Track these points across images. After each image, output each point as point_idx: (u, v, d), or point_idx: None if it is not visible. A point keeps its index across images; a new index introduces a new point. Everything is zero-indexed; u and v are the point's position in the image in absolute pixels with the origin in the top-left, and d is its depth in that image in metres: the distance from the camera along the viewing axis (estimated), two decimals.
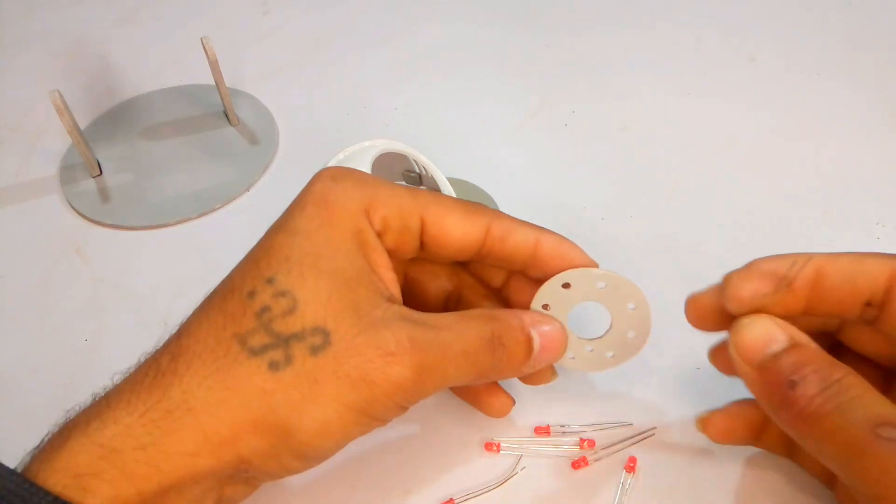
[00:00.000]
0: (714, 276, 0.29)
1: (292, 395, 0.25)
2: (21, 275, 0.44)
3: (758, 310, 0.27)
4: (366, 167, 0.40)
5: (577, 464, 0.34)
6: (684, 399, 0.35)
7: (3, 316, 0.42)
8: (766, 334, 0.27)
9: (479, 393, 0.33)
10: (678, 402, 0.36)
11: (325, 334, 0.25)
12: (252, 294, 0.26)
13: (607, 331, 0.32)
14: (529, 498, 0.33)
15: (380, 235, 0.29)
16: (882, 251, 0.42)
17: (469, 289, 0.33)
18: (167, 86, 0.57)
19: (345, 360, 0.25)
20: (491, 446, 0.34)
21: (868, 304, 0.27)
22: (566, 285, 0.30)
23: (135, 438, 0.24)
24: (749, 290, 0.27)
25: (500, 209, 0.45)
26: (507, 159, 0.50)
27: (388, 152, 0.42)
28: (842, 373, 0.25)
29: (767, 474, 0.33)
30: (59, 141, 0.52)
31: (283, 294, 0.26)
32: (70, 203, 0.48)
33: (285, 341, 0.25)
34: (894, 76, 0.54)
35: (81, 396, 0.38)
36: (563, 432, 0.35)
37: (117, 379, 0.27)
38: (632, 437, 0.34)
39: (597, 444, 0.34)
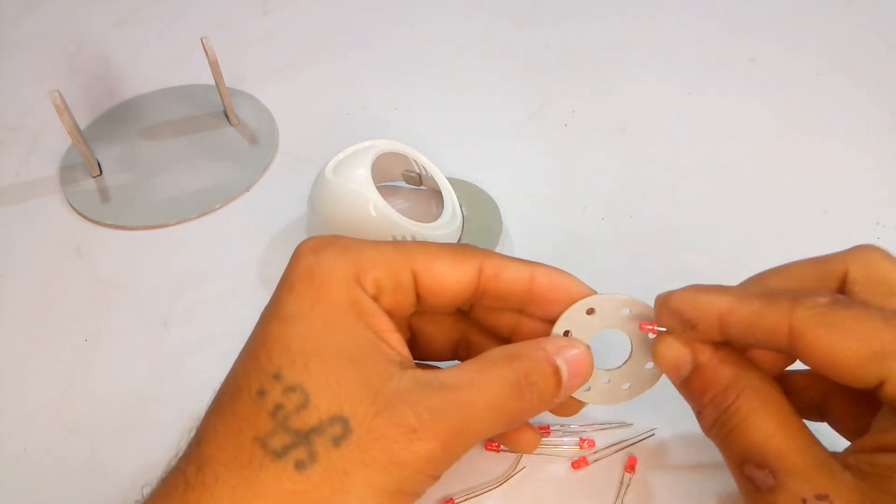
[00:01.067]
0: (714, 276, 0.29)
1: (324, 493, 0.24)
2: (21, 275, 0.44)
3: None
4: (366, 167, 0.40)
5: (577, 464, 0.34)
6: (684, 399, 0.35)
7: (3, 316, 0.42)
8: (675, 357, 0.27)
9: (506, 433, 0.32)
10: (678, 402, 0.35)
11: (343, 422, 0.24)
12: (262, 393, 0.25)
13: (626, 360, 0.31)
14: (529, 498, 0.33)
15: (375, 299, 0.28)
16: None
17: (477, 334, 0.32)
18: (167, 86, 0.57)
19: (369, 445, 0.24)
20: (491, 446, 0.34)
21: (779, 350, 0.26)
22: (590, 311, 0.29)
23: None
24: (664, 323, 0.28)
25: (501, 209, 0.45)
26: (506, 159, 0.50)
27: (388, 152, 0.42)
28: (733, 396, 0.25)
29: None
30: (59, 141, 0.52)
31: (292, 389, 0.25)
32: (70, 203, 0.48)
33: (306, 437, 0.24)
34: (894, 76, 0.54)
35: (81, 396, 0.38)
36: (563, 432, 0.35)
37: (147, 491, 0.26)
38: (632, 437, 0.34)
39: (597, 444, 0.34)
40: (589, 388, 0.31)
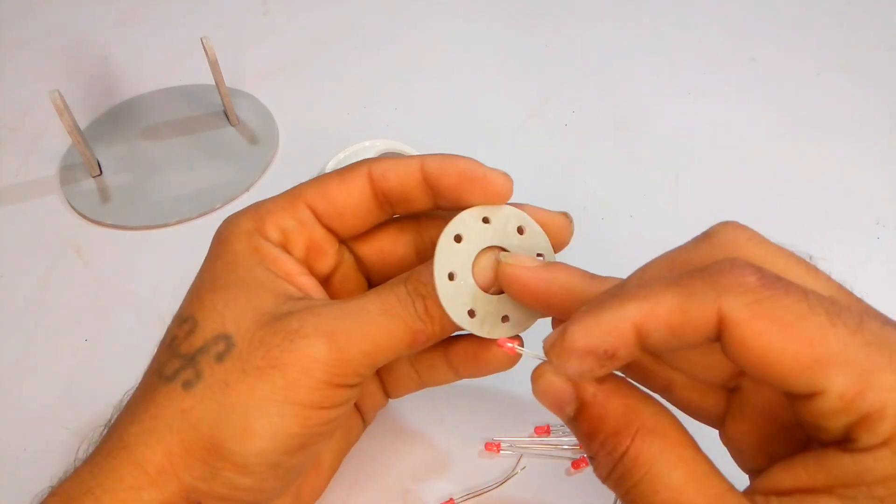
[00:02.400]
0: None
1: (210, 407, 0.24)
2: (21, 275, 0.44)
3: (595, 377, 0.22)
4: None
5: (577, 464, 0.34)
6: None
7: (3, 316, 0.42)
8: (556, 396, 0.23)
9: (474, 354, 0.29)
10: None
11: (227, 339, 0.25)
12: (167, 331, 0.27)
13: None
14: (529, 498, 0.33)
15: (285, 246, 0.28)
16: (882, 251, 0.43)
17: None
18: (167, 86, 0.57)
19: (249, 355, 0.25)
20: (491, 446, 0.34)
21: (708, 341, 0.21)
22: (486, 220, 0.27)
23: (83, 483, 0.24)
24: (575, 370, 0.22)
25: None
26: (507, 159, 0.50)
27: (387, 152, 0.42)
28: (627, 440, 0.21)
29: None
30: (59, 141, 0.52)
31: (185, 320, 0.26)
32: (70, 203, 0.48)
33: (191, 359, 0.25)
34: (894, 76, 0.54)
35: (81, 396, 0.38)
36: (564, 432, 0.35)
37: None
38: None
39: None
40: (474, 311, 0.27)
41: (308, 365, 0.24)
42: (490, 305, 0.27)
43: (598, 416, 0.22)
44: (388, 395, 0.32)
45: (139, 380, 0.27)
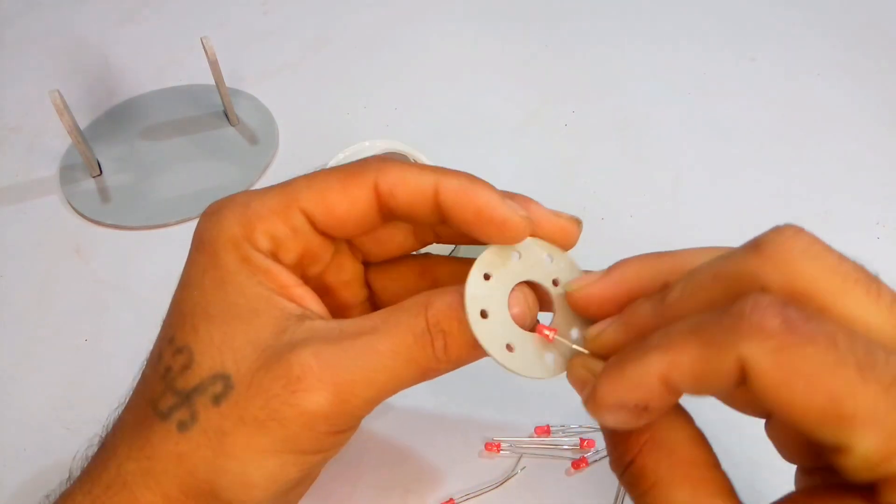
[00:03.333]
0: None
1: (205, 454, 0.23)
2: (21, 275, 0.44)
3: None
4: None
5: (577, 464, 0.34)
6: (683, 399, 0.35)
7: (3, 316, 0.42)
8: (580, 380, 0.23)
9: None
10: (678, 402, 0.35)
11: (224, 379, 0.23)
12: (160, 356, 0.25)
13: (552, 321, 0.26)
14: (529, 498, 0.33)
15: (275, 255, 0.26)
16: (882, 251, 0.43)
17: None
18: (167, 86, 0.57)
19: (247, 402, 0.23)
20: (491, 446, 0.34)
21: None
22: (486, 276, 0.25)
23: None
24: (613, 423, 0.21)
25: None
26: (507, 159, 0.50)
27: (387, 152, 0.42)
28: (633, 453, 0.21)
29: (768, 474, 0.33)
30: (59, 141, 0.52)
31: (180, 351, 0.25)
32: (70, 203, 0.48)
33: (187, 397, 0.24)
34: (894, 76, 0.54)
35: (81, 396, 0.38)
36: (563, 432, 0.35)
37: (90, 453, 0.27)
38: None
39: (597, 444, 0.34)
40: (513, 351, 0.25)
41: (309, 421, 0.23)
42: (528, 342, 0.25)
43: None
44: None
45: (128, 397, 0.26)
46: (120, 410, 0.27)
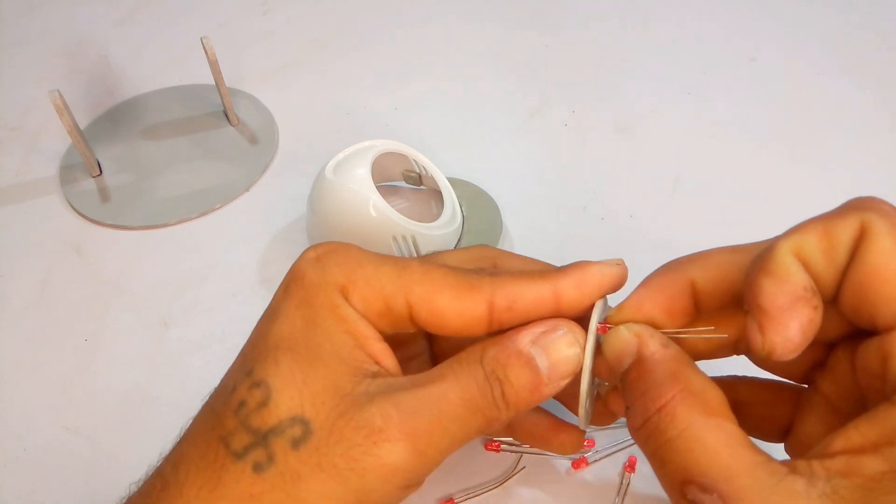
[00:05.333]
0: None
1: (279, 496, 0.23)
2: (21, 275, 0.44)
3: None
4: (366, 167, 0.40)
5: (577, 464, 0.34)
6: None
7: (3, 316, 0.42)
8: (620, 349, 0.24)
9: (542, 434, 0.30)
10: None
11: (304, 423, 0.23)
12: (234, 389, 0.25)
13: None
14: (529, 498, 0.33)
15: (363, 314, 0.26)
16: None
17: None
18: (167, 86, 0.57)
19: (328, 449, 0.23)
20: (491, 446, 0.34)
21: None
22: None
23: None
24: (791, 312, 0.22)
25: (501, 209, 0.45)
26: (506, 159, 0.50)
27: (388, 152, 0.42)
28: (668, 395, 0.22)
29: None
30: (59, 141, 0.52)
31: (257, 385, 0.24)
32: (70, 203, 0.48)
33: (264, 438, 0.23)
34: (894, 76, 0.54)
35: (81, 396, 0.38)
36: None
37: (133, 489, 0.26)
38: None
39: (597, 444, 0.34)
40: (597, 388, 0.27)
41: (387, 474, 0.23)
42: (590, 398, 0.27)
43: (648, 368, 0.23)
44: None
45: (190, 428, 0.26)
46: (178, 439, 0.26)
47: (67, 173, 0.50)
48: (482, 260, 0.30)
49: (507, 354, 0.25)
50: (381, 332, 0.26)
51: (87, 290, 0.43)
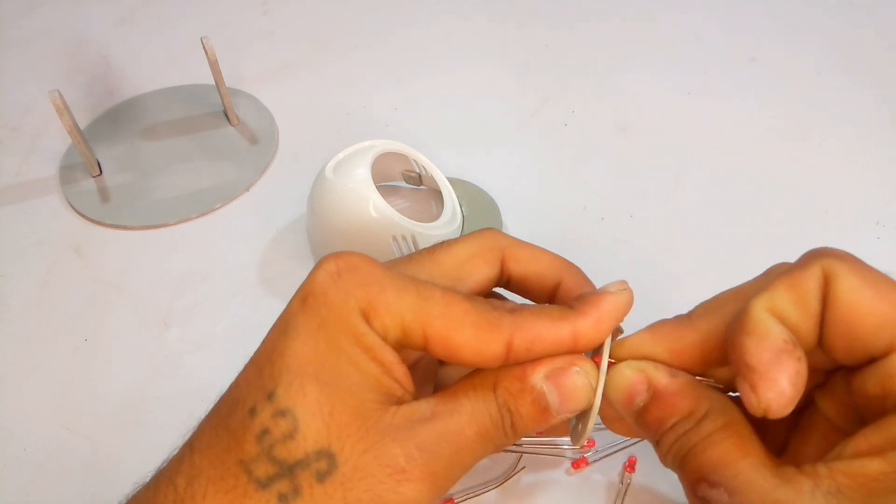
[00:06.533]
0: (713, 276, 0.29)
1: None
2: (21, 275, 0.44)
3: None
4: (366, 167, 0.40)
5: (577, 464, 0.34)
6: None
7: (3, 316, 0.42)
8: (629, 388, 0.25)
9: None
10: None
11: (330, 457, 0.24)
12: (253, 412, 0.24)
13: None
14: (529, 498, 0.33)
15: (385, 338, 0.26)
16: (882, 251, 0.43)
17: None
18: (167, 86, 0.57)
19: (354, 484, 0.23)
20: None
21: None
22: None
23: None
24: (789, 381, 0.23)
25: (501, 209, 0.45)
26: (507, 159, 0.50)
27: (388, 152, 0.42)
28: (696, 420, 0.24)
29: None
30: (59, 141, 0.52)
31: (282, 414, 0.24)
32: (70, 203, 0.48)
33: (290, 470, 0.23)
34: (894, 76, 0.54)
35: (81, 396, 0.38)
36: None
37: (138, 489, 0.26)
38: (632, 437, 0.34)
39: (597, 444, 0.34)
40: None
41: None
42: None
43: (671, 402, 0.24)
44: None
45: (194, 434, 0.26)
46: (187, 447, 0.25)
47: (67, 173, 0.50)
48: (491, 252, 0.30)
49: (520, 388, 0.25)
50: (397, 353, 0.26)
51: (87, 290, 0.43)
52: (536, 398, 0.25)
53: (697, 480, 0.23)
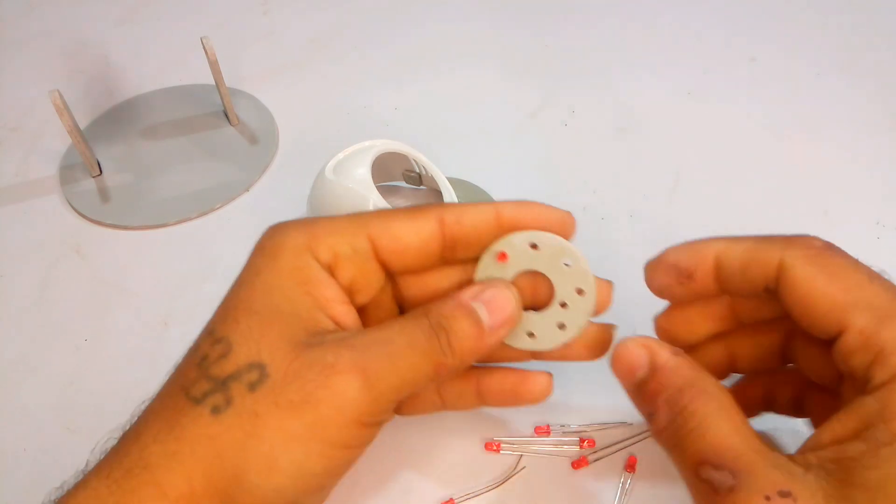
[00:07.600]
0: None
1: (236, 436, 0.24)
2: (21, 275, 0.44)
3: (673, 298, 0.29)
4: (366, 167, 0.40)
5: (577, 464, 0.34)
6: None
7: (3, 316, 0.42)
8: (631, 361, 0.27)
9: (511, 388, 0.31)
10: None
11: (260, 368, 0.25)
12: (197, 347, 0.27)
13: (553, 299, 0.30)
14: (529, 498, 0.33)
15: (332, 269, 0.28)
16: (882, 251, 0.43)
17: None
18: (167, 86, 0.57)
19: (283, 388, 0.24)
20: (491, 446, 0.34)
21: (767, 289, 0.27)
22: (534, 245, 0.29)
23: (100, 500, 0.24)
24: (657, 283, 0.28)
25: None
26: (506, 159, 0.50)
27: (388, 152, 0.42)
28: (688, 398, 0.25)
29: None
30: (59, 141, 0.52)
31: (218, 341, 0.26)
32: (70, 203, 0.48)
33: (223, 384, 0.25)
34: (894, 76, 0.54)
35: (81, 396, 0.38)
36: (563, 432, 0.35)
37: (110, 446, 0.27)
38: (632, 437, 0.34)
39: (597, 444, 0.34)
40: (534, 334, 0.30)
41: (341, 403, 0.25)
42: (542, 319, 0.29)
43: (667, 378, 0.26)
44: (399, 412, 0.32)
45: (157, 391, 0.27)
46: (147, 402, 0.27)
47: (67, 173, 0.50)
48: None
49: (451, 307, 0.27)
50: (354, 297, 0.28)
51: (87, 290, 0.43)
52: (468, 313, 0.27)
53: (700, 462, 0.23)
